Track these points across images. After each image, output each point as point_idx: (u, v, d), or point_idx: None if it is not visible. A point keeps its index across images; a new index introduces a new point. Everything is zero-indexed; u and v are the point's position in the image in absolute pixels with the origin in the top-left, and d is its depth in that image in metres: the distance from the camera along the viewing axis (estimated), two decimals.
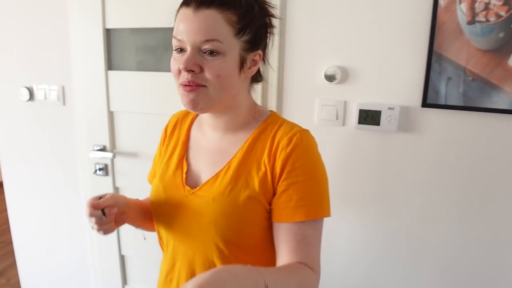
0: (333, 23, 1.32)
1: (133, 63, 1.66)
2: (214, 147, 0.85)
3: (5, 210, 3.97)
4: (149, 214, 0.93)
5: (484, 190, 1.29)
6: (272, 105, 1.42)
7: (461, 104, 1.24)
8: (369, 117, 1.33)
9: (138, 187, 1.46)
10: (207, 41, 0.71)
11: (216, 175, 0.81)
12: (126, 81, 1.64)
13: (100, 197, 0.81)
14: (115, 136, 1.73)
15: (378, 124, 1.32)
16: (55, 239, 2.00)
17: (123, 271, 1.90)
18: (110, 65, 1.67)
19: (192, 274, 0.83)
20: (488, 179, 1.28)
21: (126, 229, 1.78)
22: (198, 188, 0.82)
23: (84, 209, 0.81)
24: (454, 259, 1.37)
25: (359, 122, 1.34)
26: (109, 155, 1.69)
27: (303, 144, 0.78)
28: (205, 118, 0.87)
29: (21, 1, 1.74)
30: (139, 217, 0.94)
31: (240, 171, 0.79)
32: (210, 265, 0.80)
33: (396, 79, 1.29)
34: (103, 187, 1.78)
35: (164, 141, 0.96)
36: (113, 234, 1.82)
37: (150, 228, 0.96)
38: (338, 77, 1.33)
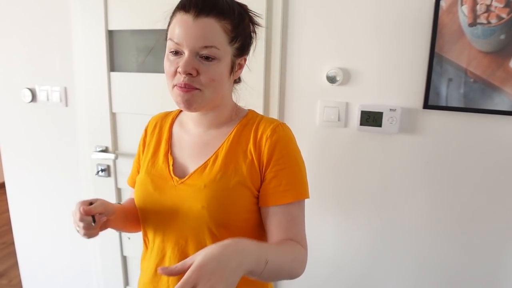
0: (335, 25, 1.33)
1: (135, 64, 1.67)
2: (197, 141, 0.92)
3: (7, 211, 3.99)
4: (131, 217, 0.98)
5: (485, 191, 1.30)
6: (274, 107, 1.43)
7: (462, 105, 1.25)
8: (371, 119, 1.33)
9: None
10: (206, 47, 0.77)
11: (204, 165, 0.87)
12: (128, 82, 1.65)
13: (91, 203, 0.83)
14: (117, 137, 1.74)
15: (379, 125, 1.33)
16: (57, 240, 2.00)
17: (125, 272, 1.90)
18: (112, 67, 1.67)
19: None
20: (489, 180, 1.28)
21: None
22: (187, 177, 0.87)
23: (72, 212, 0.84)
24: (456, 259, 1.37)
25: (361, 124, 1.35)
26: (111, 156, 1.69)
27: (285, 134, 0.87)
28: (189, 115, 0.93)
29: (24, 2, 1.74)
30: (122, 222, 0.97)
31: (229, 160, 0.86)
32: (200, 249, 0.80)
33: (398, 80, 1.30)
34: (105, 188, 1.78)
35: (144, 141, 1.02)
36: (115, 236, 1.83)
37: (132, 230, 1.01)
38: (340, 78, 1.33)
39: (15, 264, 2.95)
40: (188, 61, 0.77)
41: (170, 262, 0.88)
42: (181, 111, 1.01)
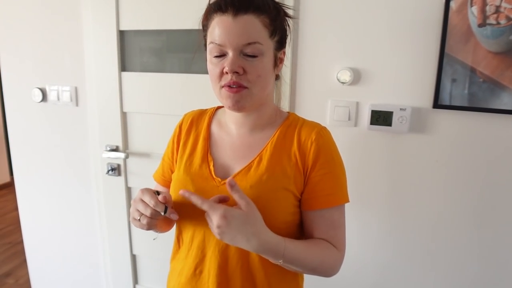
0: (346, 25, 1.35)
1: (146, 64, 1.69)
2: (240, 142, 0.91)
3: (13, 210, 4.05)
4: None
5: (496, 190, 1.31)
6: (285, 106, 1.44)
7: (471, 105, 1.26)
8: (381, 118, 1.35)
9: (150, 187, 1.48)
10: (249, 44, 0.78)
11: (248, 166, 0.87)
12: (139, 82, 1.67)
13: (158, 193, 0.82)
14: (127, 137, 1.76)
15: (390, 125, 1.34)
16: (67, 239, 2.02)
17: (135, 271, 1.92)
18: (123, 67, 1.69)
19: (225, 262, 0.86)
20: (499, 178, 1.30)
21: (138, 229, 1.81)
22: (230, 178, 0.86)
23: (136, 199, 0.82)
24: (467, 258, 1.39)
25: (371, 123, 1.36)
26: (121, 155, 1.71)
27: (329, 138, 0.90)
28: (230, 116, 0.93)
29: (35, 3, 1.76)
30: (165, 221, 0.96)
31: (274, 162, 0.86)
32: (243, 250, 0.84)
33: (408, 80, 1.32)
34: (116, 187, 1.80)
35: (178, 138, 1.00)
36: (125, 234, 1.84)
37: (165, 229, 0.98)
38: (350, 78, 1.35)
39: (22, 263, 2.98)
40: (234, 59, 0.78)
41: (210, 263, 0.87)
42: (217, 109, 1.01)
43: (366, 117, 1.38)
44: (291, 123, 0.91)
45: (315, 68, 1.41)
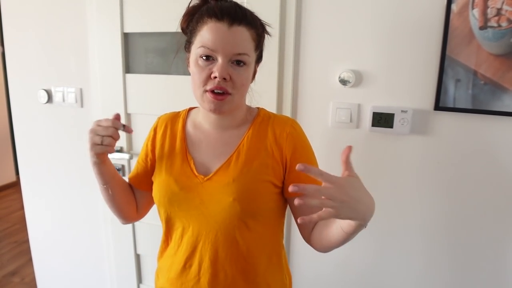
0: (347, 28, 1.36)
1: (150, 66, 1.71)
2: (216, 140, 0.97)
3: (19, 209, 4.09)
4: (125, 192, 1.05)
5: (497, 192, 1.31)
6: (287, 108, 1.46)
7: (473, 107, 1.27)
8: (382, 120, 1.36)
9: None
10: (240, 54, 0.83)
11: (228, 161, 0.92)
12: (143, 84, 1.69)
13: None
14: (132, 138, 1.78)
15: (391, 126, 1.35)
16: (72, 239, 2.04)
17: (139, 270, 1.94)
18: (127, 68, 1.71)
19: (215, 253, 0.91)
20: (500, 180, 1.30)
21: (142, 228, 1.83)
22: (212, 174, 0.92)
23: (91, 129, 0.89)
24: (467, 261, 1.39)
25: (373, 125, 1.37)
26: (126, 156, 1.73)
27: (301, 130, 0.97)
28: (205, 117, 0.98)
29: (41, 5, 1.78)
30: (121, 189, 1.03)
31: (251, 156, 0.92)
32: (232, 240, 0.91)
33: (409, 82, 1.32)
34: None
35: (153, 141, 1.04)
36: (129, 233, 1.86)
37: (121, 205, 1.05)
38: (352, 80, 1.36)
39: (28, 262, 3.01)
40: (224, 66, 0.82)
41: (201, 254, 0.92)
42: (189, 111, 1.06)
43: (367, 119, 1.39)
44: (262, 119, 0.97)
45: (317, 70, 1.42)
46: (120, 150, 1.78)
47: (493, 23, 1.20)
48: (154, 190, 0.98)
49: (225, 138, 0.96)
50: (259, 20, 0.90)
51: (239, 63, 0.84)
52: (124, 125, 0.90)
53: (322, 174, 0.67)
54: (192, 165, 0.94)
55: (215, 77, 0.82)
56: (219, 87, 0.83)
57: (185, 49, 0.94)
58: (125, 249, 1.91)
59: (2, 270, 2.97)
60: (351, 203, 0.68)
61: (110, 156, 1.70)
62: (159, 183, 0.97)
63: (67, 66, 1.81)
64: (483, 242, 1.36)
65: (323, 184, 0.67)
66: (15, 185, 4.87)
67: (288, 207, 1.01)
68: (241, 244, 0.92)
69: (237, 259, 0.92)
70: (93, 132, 0.88)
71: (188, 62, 0.92)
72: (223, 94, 0.84)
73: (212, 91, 0.84)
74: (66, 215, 2.02)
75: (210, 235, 0.91)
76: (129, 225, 1.86)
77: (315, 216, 0.68)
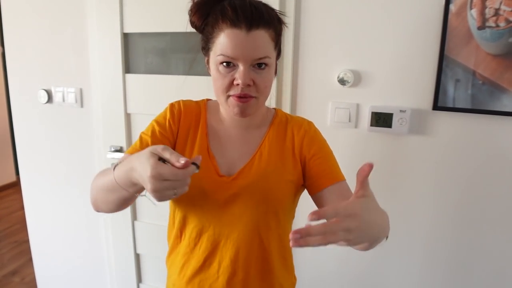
0: (346, 28, 1.36)
1: (150, 66, 1.71)
2: (238, 139, 0.95)
3: (19, 209, 4.09)
4: None
5: (495, 191, 1.32)
6: (286, 108, 1.46)
7: (471, 107, 1.27)
8: (381, 120, 1.36)
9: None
10: (261, 58, 0.81)
11: (251, 162, 0.92)
12: (143, 84, 1.69)
13: (162, 159, 0.66)
14: (131, 138, 1.78)
15: (390, 126, 1.36)
16: (72, 238, 2.04)
17: (138, 269, 1.94)
18: (127, 68, 1.72)
19: (236, 253, 0.91)
20: (498, 180, 1.31)
21: (142, 228, 1.83)
22: (236, 174, 0.91)
23: (156, 171, 0.63)
24: (465, 260, 1.40)
25: (371, 125, 1.38)
26: None
27: (316, 129, 0.99)
28: (228, 116, 0.95)
29: (41, 5, 1.79)
30: None
31: (274, 156, 0.93)
32: (254, 240, 0.91)
33: (408, 82, 1.33)
34: None
35: (178, 122, 0.94)
36: (129, 233, 1.87)
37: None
38: (351, 80, 1.37)
39: (28, 262, 3.01)
40: (246, 73, 0.80)
41: (222, 254, 0.92)
42: (206, 102, 1.00)
43: (366, 118, 1.39)
44: (281, 120, 0.98)
45: (316, 70, 1.42)
46: (120, 150, 1.78)
47: (491, 23, 1.21)
48: None
49: (246, 137, 0.95)
50: (276, 14, 0.86)
51: (260, 65, 0.82)
52: (197, 166, 0.67)
53: (337, 213, 0.57)
54: (215, 164, 0.92)
55: (238, 84, 0.81)
56: (243, 94, 0.81)
57: (202, 51, 0.90)
58: (125, 249, 1.91)
59: (2, 270, 2.97)
60: (364, 229, 0.61)
61: (110, 156, 1.73)
62: None
63: (67, 66, 1.81)
64: (482, 241, 1.37)
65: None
66: (15, 185, 4.86)
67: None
68: (262, 244, 0.92)
69: (257, 259, 0.93)
70: (162, 184, 0.64)
71: (208, 65, 0.89)
72: (247, 97, 0.83)
73: (237, 96, 0.82)
74: (66, 215, 2.02)
75: (233, 235, 0.91)
76: (129, 225, 1.86)
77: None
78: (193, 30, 0.90)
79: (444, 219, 1.39)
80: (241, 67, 0.80)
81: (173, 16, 1.57)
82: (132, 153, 0.87)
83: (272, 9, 0.85)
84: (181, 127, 0.95)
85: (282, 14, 0.89)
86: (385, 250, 1.48)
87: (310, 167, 0.93)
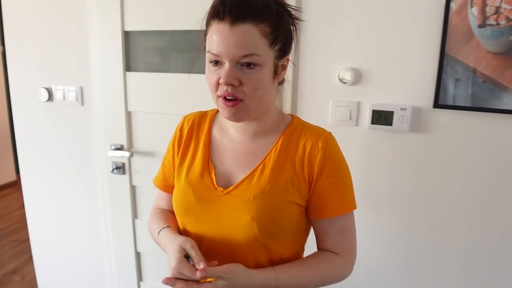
0: (347, 26, 1.36)
1: (150, 64, 1.71)
2: (242, 149, 0.89)
3: (19, 208, 4.09)
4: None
5: (496, 190, 1.32)
6: (287, 106, 1.46)
7: (471, 105, 1.28)
8: (381, 118, 1.36)
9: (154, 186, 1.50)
10: (246, 56, 0.73)
11: (251, 175, 0.85)
12: (144, 82, 1.69)
13: (186, 256, 0.78)
14: (132, 136, 1.78)
15: (390, 124, 1.36)
16: (72, 236, 2.04)
17: (139, 268, 1.95)
18: (128, 67, 1.72)
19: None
20: (500, 178, 1.31)
21: (142, 226, 1.83)
22: (232, 187, 0.85)
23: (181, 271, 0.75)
24: (468, 259, 1.40)
25: (372, 123, 1.38)
26: (126, 154, 1.73)
27: (334, 146, 0.87)
28: (232, 123, 0.88)
29: (41, 3, 1.79)
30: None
31: (277, 171, 0.84)
32: (249, 261, 0.84)
33: (409, 80, 1.33)
34: (120, 185, 1.82)
35: (179, 142, 0.96)
36: (130, 231, 1.87)
37: None
38: (351, 78, 1.37)
39: (28, 260, 3.01)
40: (229, 71, 0.74)
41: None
42: (217, 112, 0.97)
43: (367, 116, 1.39)
44: (295, 129, 0.88)
45: (316, 68, 1.42)
46: (121, 148, 1.78)
47: (491, 21, 1.21)
48: (173, 197, 0.93)
49: (251, 147, 0.88)
50: (276, 7, 0.76)
51: (249, 65, 0.74)
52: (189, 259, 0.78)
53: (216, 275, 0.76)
54: (212, 175, 0.87)
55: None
56: (228, 93, 0.75)
57: (204, 49, 0.84)
58: (125, 247, 1.91)
59: (2, 268, 2.97)
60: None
61: (111, 154, 1.73)
62: (178, 191, 0.91)
63: (68, 65, 1.81)
64: (483, 240, 1.37)
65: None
66: (16, 184, 4.86)
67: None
68: (258, 266, 0.84)
69: None
70: (179, 276, 0.76)
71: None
72: (234, 100, 0.77)
73: (224, 97, 0.77)
74: (66, 213, 2.02)
75: (227, 253, 0.84)
76: (129, 223, 1.86)
77: None
78: (197, 28, 0.86)
79: (445, 217, 1.39)
80: (226, 65, 0.74)
81: (174, 14, 1.57)
82: (157, 183, 1.05)
83: (273, 4, 0.76)
84: (184, 143, 0.96)
85: (292, 8, 0.81)
86: (384, 248, 1.48)
87: (317, 189, 0.84)
